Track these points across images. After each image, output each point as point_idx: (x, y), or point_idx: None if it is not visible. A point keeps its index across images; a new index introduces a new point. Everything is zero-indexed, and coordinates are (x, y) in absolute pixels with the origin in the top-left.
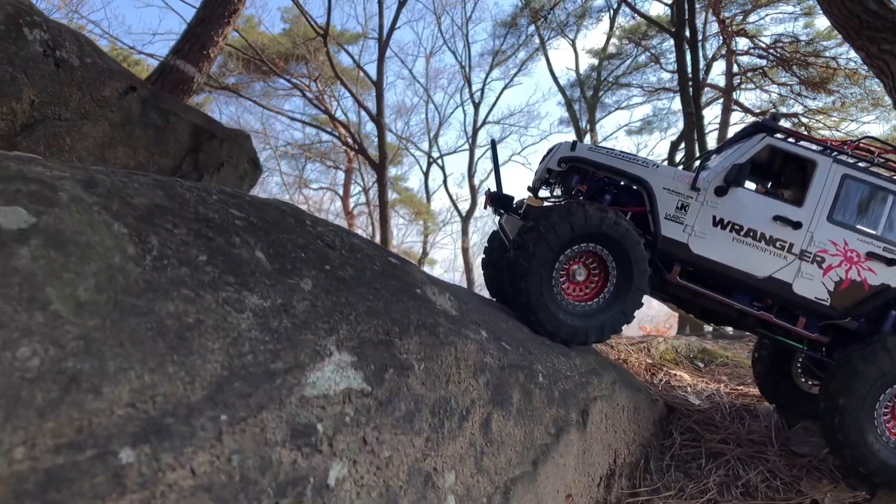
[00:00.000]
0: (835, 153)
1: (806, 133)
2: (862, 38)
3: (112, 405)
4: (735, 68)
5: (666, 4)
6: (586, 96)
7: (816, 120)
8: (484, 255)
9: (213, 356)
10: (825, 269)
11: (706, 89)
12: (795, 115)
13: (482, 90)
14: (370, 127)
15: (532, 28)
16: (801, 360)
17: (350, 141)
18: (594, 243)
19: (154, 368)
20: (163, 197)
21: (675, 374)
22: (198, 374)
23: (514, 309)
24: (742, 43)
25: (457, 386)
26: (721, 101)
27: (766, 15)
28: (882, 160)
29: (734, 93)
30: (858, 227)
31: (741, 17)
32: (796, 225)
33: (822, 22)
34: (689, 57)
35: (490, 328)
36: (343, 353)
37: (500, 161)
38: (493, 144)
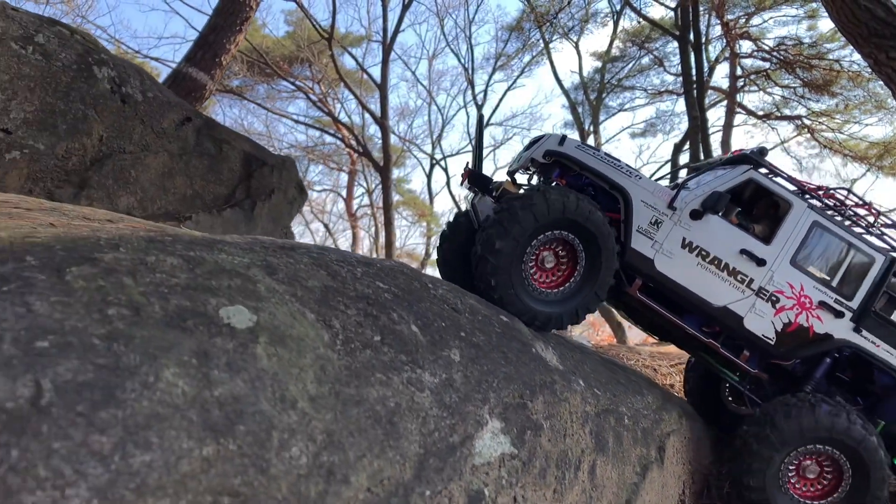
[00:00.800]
0: (808, 196)
1: (787, 173)
2: (870, 45)
3: (357, 492)
4: (738, 71)
5: (669, 8)
6: (590, 99)
7: (819, 122)
8: (445, 230)
9: (413, 437)
10: (777, 309)
11: (709, 92)
12: (798, 117)
13: (485, 92)
14: (374, 129)
15: (536, 32)
16: (729, 384)
17: (353, 143)
18: (565, 231)
19: (378, 454)
20: (326, 276)
21: None
22: (406, 456)
23: (482, 295)
24: (745, 45)
25: (571, 438)
26: (724, 103)
27: (770, 18)
28: (852, 213)
29: (737, 95)
30: (817, 274)
31: (744, 20)
32: (760, 262)
33: (825, 24)
34: (693, 60)
35: (583, 375)
36: (494, 420)
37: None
38: (480, 121)
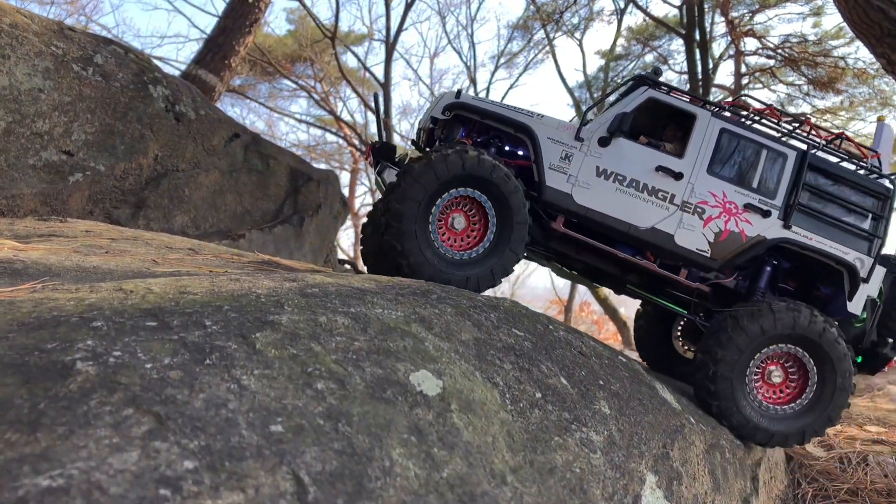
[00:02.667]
0: (714, 108)
1: (685, 90)
2: (883, 45)
3: None
4: (743, 68)
5: (673, 6)
6: (594, 97)
7: (825, 119)
8: (368, 217)
9: (600, 501)
10: (705, 220)
11: (714, 89)
12: (804, 114)
13: (487, 90)
14: (375, 128)
15: (540, 30)
16: (681, 324)
17: (356, 142)
18: (470, 188)
19: None
20: (472, 327)
21: None
22: None
23: (394, 265)
24: (750, 43)
25: (699, 482)
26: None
27: (775, 15)
28: (756, 118)
29: (742, 92)
30: (736, 179)
31: (749, 17)
32: (678, 176)
33: (829, 21)
34: (698, 57)
35: (690, 410)
36: (650, 474)
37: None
38: (376, 97)
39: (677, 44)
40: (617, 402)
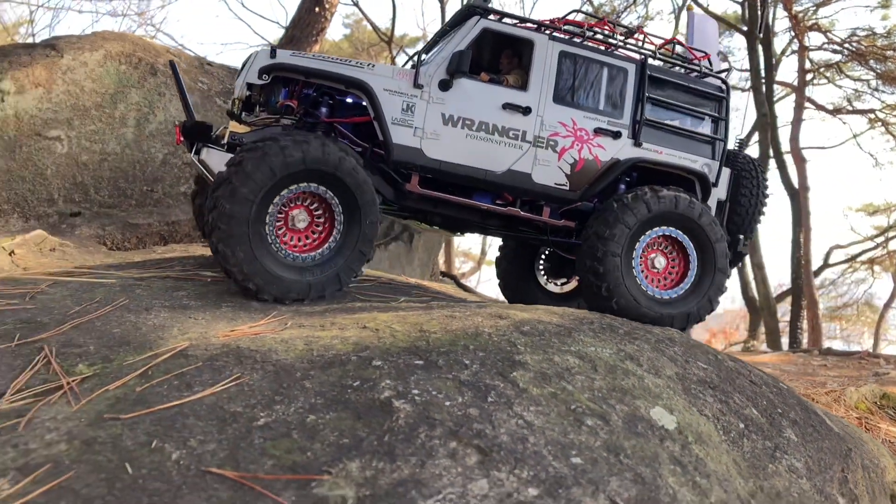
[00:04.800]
0: (549, 31)
1: (518, 15)
2: None
3: None
4: (807, 64)
5: (735, 2)
6: None
7: (894, 115)
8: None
9: None
10: (559, 152)
11: (776, 87)
12: (871, 110)
13: None
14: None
15: None
16: (543, 258)
17: None
18: (314, 184)
19: None
20: (668, 362)
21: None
22: None
23: (224, 269)
24: (815, 38)
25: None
26: (792, 98)
27: (840, 8)
28: (591, 33)
29: (806, 89)
30: (583, 104)
31: (813, 11)
32: (526, 110)
33: None
34: (761, 54)
35: (849, 433)
36: (840, 498)
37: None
38: (173, 67)
39: (738, 40)
40: (799, 430)
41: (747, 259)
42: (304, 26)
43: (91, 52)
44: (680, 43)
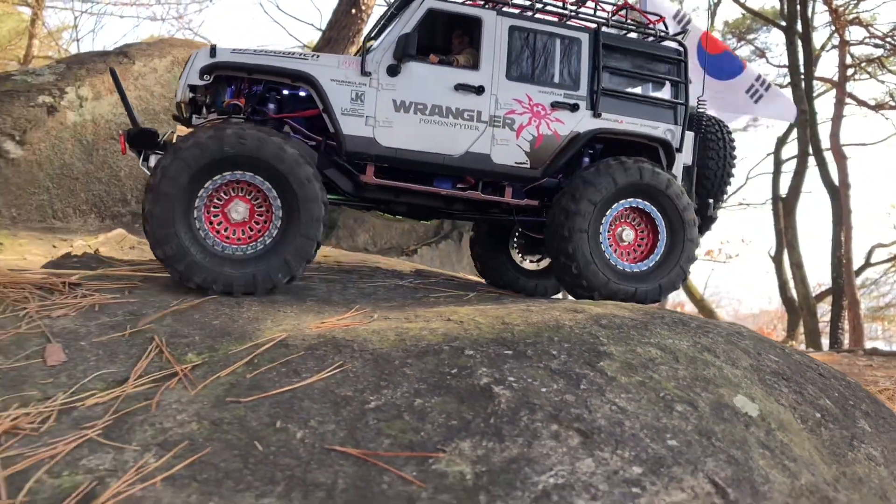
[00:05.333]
0: (498, 6)
1: None
2: None
3: None
4: (848, 59)
5: None
6: None
7: None
8: None
9: None
10: (517, 130)
11: (816, 82)
12: None
13: None
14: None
15: None
16: (516, 236)
17: None
18: (240, 171)
19: None
20: (742, 354)
21: None
22: None
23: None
24: (856, 32)
25: None
26: (832, 93)
27: (883, 1)
28: (542, 4)
29: (847, 85)
30: (537, 78)
31: (854, 5)
32: (479, 90)
33: None
34: (800, 50)
35: None
36: None
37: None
38: (114, 74)
39: (777, 36)
40: (872, 421)
41: (785, 258)
42: (341, 28)
43: (160, 58)
44: (633, 7)
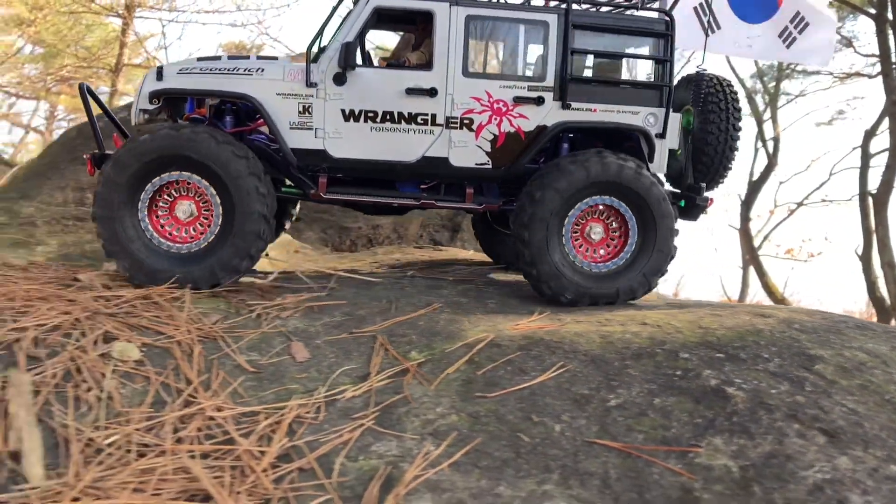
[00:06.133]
0: None
1: None
2: None
3: None
4: None
5: None
6: (767, 86)
7: None
8: None
9: None
10: (476, 130)
11: None
12: None
13: None
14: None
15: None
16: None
17: None
18: (176, 171)
19: None
20: None
21: None
22: None
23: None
24: None
25: None
26: None
27: None
28: None
29: None
30: (498, 72)
31: None
32: (431, 92)
33: None
34: (891, 39)
35: None
36: None
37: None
38: (82, 90)
39: (865, 23)
40: None
41: (874, 256)
42: None
43: None
44: None
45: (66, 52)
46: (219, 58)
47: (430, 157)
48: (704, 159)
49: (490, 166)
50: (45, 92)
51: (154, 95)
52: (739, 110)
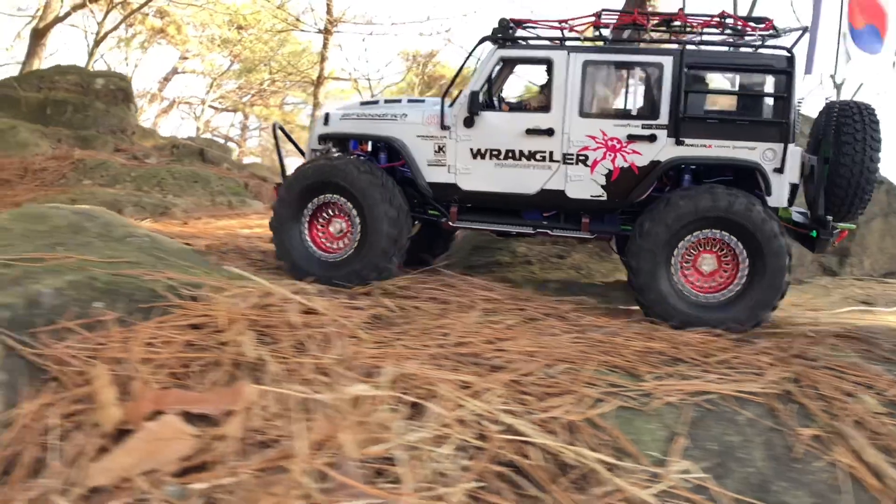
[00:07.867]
0: (571, 43)
1: (535, 31)
2: None
3: None
4: None
5: None
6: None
7: None
8: None
9: None
10: (591, 165)
11: None
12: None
13: None
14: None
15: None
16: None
17: None
18: (328, 194)
19: None
20: None
21: None
22: None
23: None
24: None
25: None
26: None
27: None
28: (638, 31)
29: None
30: (613, 112)
31: None
32: (549, 132)
33: None
34: None
35: None
36: None
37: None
38: (275, 129)
39: None
40: None
41: None
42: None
43: None
44: (729, 15)
45: (259, 68)
46: (377, 102)
47: (548, 189)
48: (837, 191)
49: (605, 198)
50: (242, 105)
51: (322, 138)
52: (879, 140)
